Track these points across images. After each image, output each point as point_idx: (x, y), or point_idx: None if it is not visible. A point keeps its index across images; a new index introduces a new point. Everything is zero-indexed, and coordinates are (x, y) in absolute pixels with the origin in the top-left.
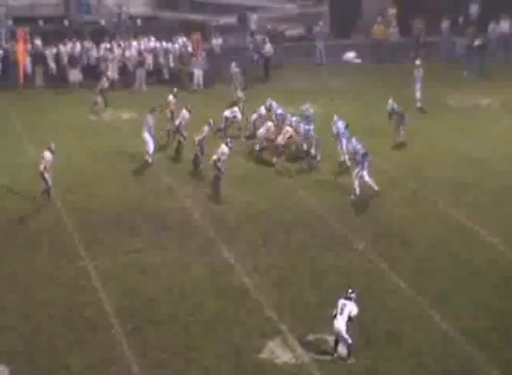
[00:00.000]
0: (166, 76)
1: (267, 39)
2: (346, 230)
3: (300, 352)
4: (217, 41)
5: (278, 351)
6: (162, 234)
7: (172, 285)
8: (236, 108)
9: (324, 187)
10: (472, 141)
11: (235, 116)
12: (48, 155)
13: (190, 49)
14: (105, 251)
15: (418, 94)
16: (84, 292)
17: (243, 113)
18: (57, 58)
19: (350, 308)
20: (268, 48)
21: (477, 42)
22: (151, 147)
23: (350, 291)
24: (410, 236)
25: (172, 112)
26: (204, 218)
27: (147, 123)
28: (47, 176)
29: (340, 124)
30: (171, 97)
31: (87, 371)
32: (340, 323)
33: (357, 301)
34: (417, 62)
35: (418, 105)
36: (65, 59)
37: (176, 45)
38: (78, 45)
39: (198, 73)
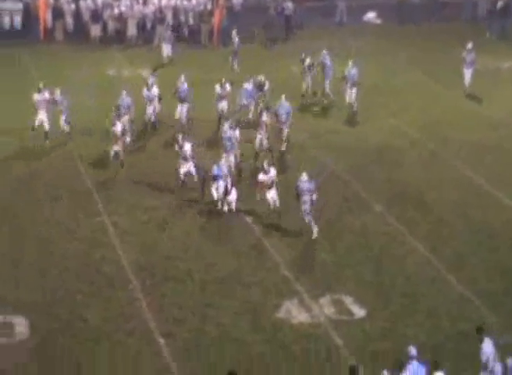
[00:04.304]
0: (186, 34)
1: None
2: (363, 191)
3: (316, 312)
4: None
5: (294, 311)
6: (181, 193)
7: (189, 243)
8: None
9: (340, 148)
10: (493, 104)
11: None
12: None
13: (209, 7)
14: (123, 208)
15: (468, 80)
16: (102, 247)
17: None
18: (77, 13)
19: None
20: (289, 6)
21: (499, 4)
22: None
23: None
24: (427, 198)
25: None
26: None
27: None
28: None
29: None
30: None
31: (104, 325)
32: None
33: None
34: (469, 45)
35: (467, 90)
36: (87, 15)
37: (195, 2)
38: (99, 0)
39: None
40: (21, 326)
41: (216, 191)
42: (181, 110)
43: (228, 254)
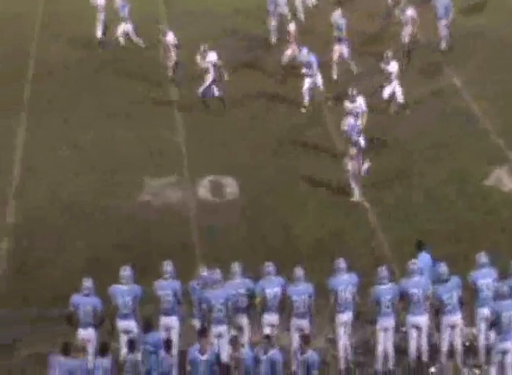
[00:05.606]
0: None
1: None
2: None
3: None
4: None
5: (505, 179)
6: None
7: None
8: None
9: None
10: None
11: None
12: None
13: None
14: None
15: None
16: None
17: None
18: None
19: None
20: None
21: None
22: None
23: None
24: None
25: None
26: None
27: None
28: None
29: None
30: None
31: (310, 189)
32: None
33: None
34: None
35: None
36: None
37: None
38: None
39: None
40: (231, 186)
41: None
42: None
43: (435, 119)
